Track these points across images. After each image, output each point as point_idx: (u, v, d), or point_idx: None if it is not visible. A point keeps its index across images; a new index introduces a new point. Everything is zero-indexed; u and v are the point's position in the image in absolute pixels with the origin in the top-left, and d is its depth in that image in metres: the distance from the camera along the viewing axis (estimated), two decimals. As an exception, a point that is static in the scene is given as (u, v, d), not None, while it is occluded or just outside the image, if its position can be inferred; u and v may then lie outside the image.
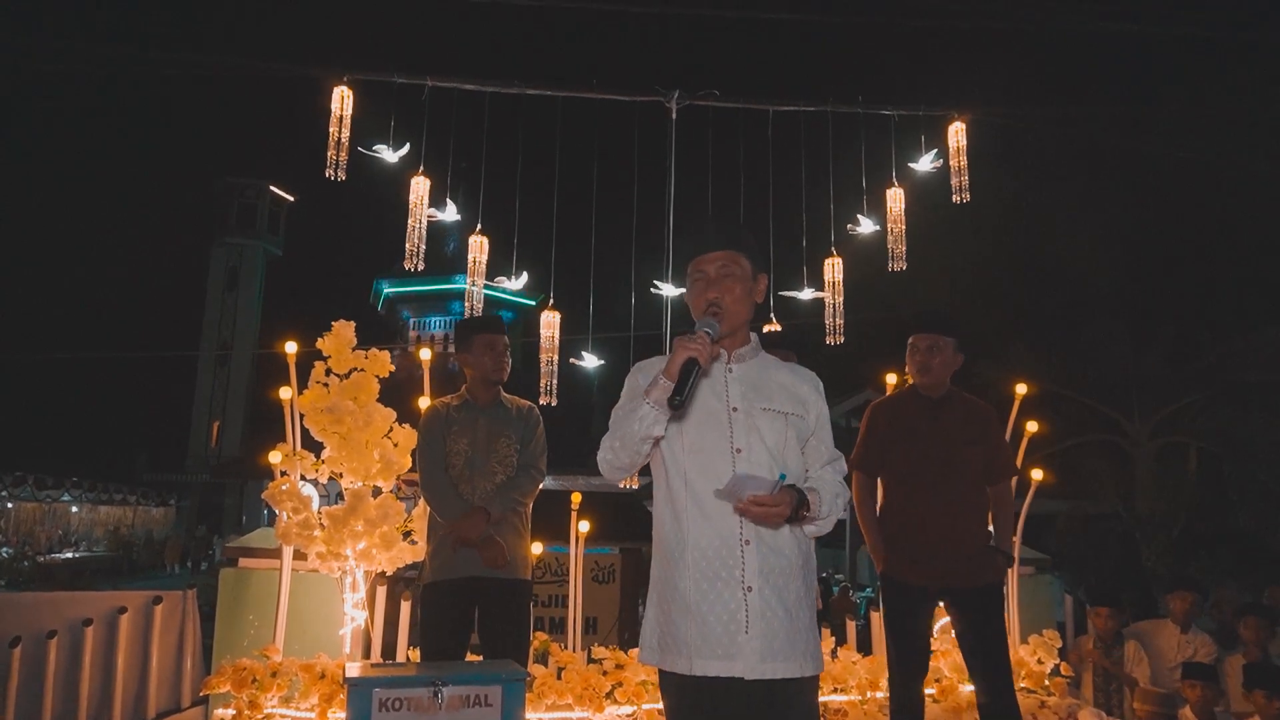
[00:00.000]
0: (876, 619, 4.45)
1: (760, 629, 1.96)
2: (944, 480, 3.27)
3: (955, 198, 5.82)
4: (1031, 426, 4.50)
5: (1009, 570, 3.49)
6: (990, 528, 3.41)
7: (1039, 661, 4.23)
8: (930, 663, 3.55)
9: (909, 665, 3.28)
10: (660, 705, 3.65)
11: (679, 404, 1.89)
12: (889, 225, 5.94)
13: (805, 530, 2.09)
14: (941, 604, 3.43)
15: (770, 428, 2.07)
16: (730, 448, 2.04)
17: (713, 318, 2.03)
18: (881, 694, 3.98)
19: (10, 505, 23.99)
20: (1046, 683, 4.23)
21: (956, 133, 5.90)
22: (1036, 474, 4.53)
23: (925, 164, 5.95)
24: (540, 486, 3.50)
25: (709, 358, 1.95)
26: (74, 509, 26.68)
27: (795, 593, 2.03)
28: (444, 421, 3.45)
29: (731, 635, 1.95)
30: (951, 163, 5.86)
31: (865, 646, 4.40)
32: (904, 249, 5.90)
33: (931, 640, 3.68)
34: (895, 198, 5.97)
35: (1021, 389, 4.43)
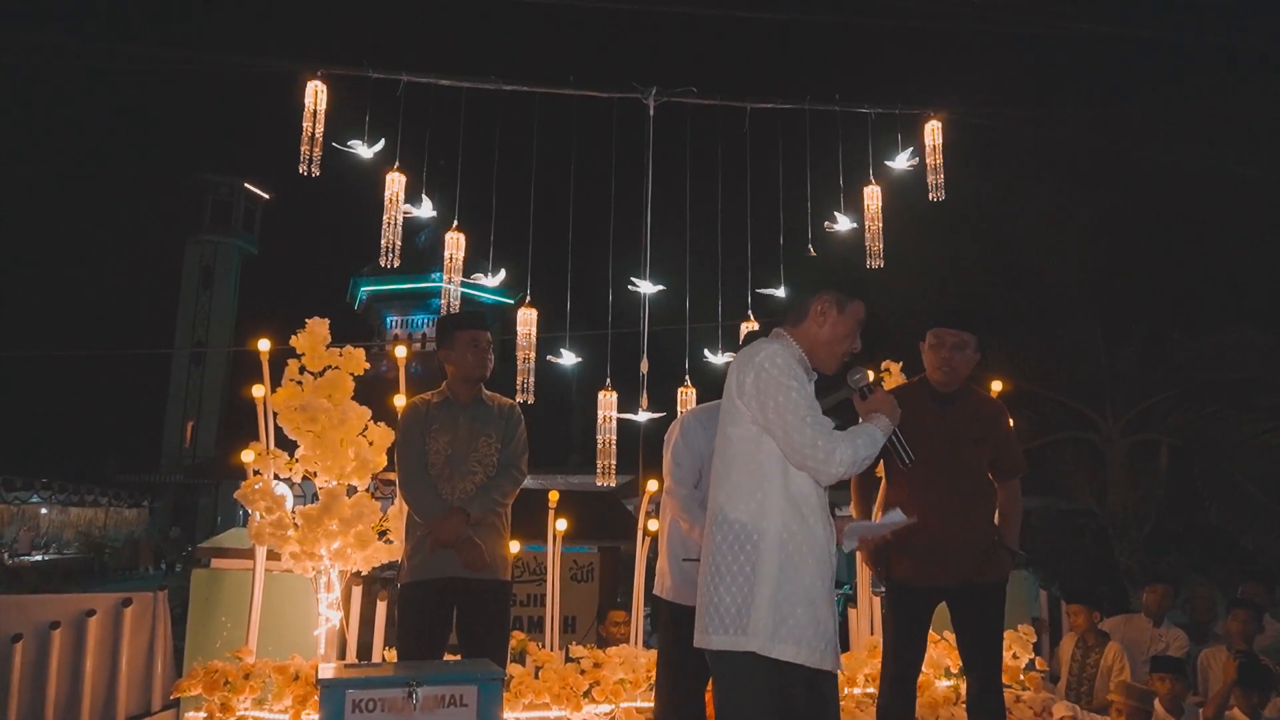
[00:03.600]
0: (854, 615, 4.47)
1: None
2: (951, 477, 3.19)
3: (931, 196, 5.86)
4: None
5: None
6: (998, 525, 3.35)
7: (1014, 656, 4.27)
8: None
9: (908, 663, 3.26)
10: (637, 704, 3.65)
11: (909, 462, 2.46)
12: (866, 223, 5.96)
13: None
14: (945, 601, 3.34)
15: None
16: None
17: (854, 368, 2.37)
18: (859, 690, 4.00)
19: (-23, 507, 23.59)
20: (1021, 677, 4.28)
21: (932, 131, 5.94)
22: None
23: (902, 162, 5.98)
24: (521, 487, 3.47)
25: None
26: (43, 510, 26.23)
27: None
28: (424, 419, 3.40)
29: (832, 633, 2.31)
30: (927, 161, 5.89)
31: (841, 643, 4.41)
32: (881, 246, 5.92)
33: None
34: (872, 195, 6.00)
35: (997, 386, 4.47)
